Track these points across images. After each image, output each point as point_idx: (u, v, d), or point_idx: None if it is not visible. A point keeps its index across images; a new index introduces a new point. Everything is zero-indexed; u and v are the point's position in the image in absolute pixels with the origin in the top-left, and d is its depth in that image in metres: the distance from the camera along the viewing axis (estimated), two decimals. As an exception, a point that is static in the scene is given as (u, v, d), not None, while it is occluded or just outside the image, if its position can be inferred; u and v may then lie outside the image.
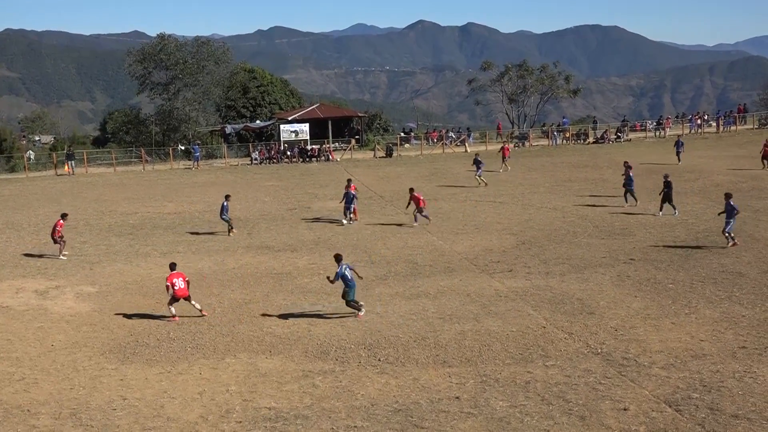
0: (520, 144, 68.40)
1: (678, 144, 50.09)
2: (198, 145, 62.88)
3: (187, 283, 20.83)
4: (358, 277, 20.92)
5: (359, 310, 20.34)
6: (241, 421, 14.11)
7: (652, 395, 14.52)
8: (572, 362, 16.40)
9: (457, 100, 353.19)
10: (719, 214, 27.62)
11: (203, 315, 20.71)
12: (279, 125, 69.31)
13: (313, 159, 61.87)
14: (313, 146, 64.28)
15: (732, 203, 26.25)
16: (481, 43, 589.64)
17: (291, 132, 66.59)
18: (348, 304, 20.37)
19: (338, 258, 20.72)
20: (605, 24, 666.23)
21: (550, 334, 18.32)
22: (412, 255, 27.28)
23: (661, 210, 32.63)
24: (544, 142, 68.93)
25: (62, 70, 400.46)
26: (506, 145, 53.07)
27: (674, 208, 32.45)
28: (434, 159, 59.75)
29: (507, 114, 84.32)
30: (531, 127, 76.98)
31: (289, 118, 70.48)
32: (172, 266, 21.27)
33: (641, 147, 62.16)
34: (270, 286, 23.82)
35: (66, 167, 58.94)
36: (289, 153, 62.90)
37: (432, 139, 73.27)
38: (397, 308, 20.87)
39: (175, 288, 20.41)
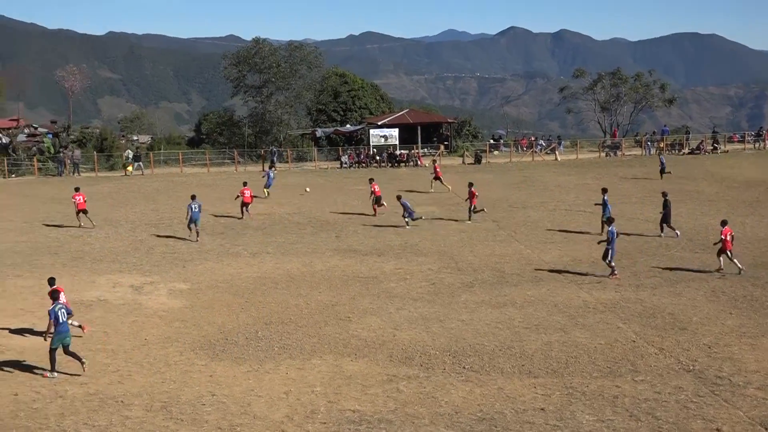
0: (612, 153, 67.17)
1: None
2: (274, 151, 64.09)
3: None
4: (47, 335, 17.23)
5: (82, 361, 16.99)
6: (325, 423, 14.25)
7: (746, 416, 14.08)
8: (662, 378, 16.02)
9: (547, 108, 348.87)
10: None
11: (82, 329, 19.63)
12: (369, 130, 69.77)
13: (402, 164, 62.04)
14: (402, 151, 64.46)
15: None
16: (574, 50, 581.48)
17: (380, 137, 66.93)
18: (50, 352, 16.93)
19: (54, 294, 17.82)
20: (703, 32, 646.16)
21: (640, 348, 17.94)
22: (499, 263, 27.10)
23: (662, 231, 31.33)
24: (637, 151, 67.53)
25: (160, 72, 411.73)
26: (436, 164, 48.49)
27: (673, 229, 31.12)
28: (524, 167, 59.21)
29: (599, 122, 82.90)
30: (624, 136, 75.47)
31: (379, 123, 70.81)
32: (51, 281, 19.83)
33: (739, 159, 60.30)
34: (356, 289, 24.00)
35: (129, 168, 60.37)
36: (378, 157, 63.25)
37: (521, 147, 72.65)
38: (483, 316, 20.77)
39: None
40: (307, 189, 46.29)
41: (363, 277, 25.56)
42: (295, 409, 14.88)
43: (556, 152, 66.90)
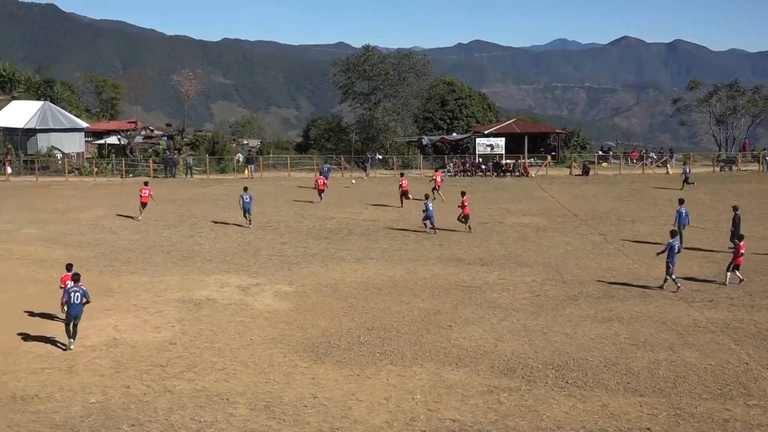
0: (727, 168, 64.92)
1: None
2: (370, 156, 64.83)
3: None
4: (63, 310, 19.29)
5: None
6: (425, 431, 14.25)
7: None
8: (776, 403, 15.37)
9: (659, 120, 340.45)
10: None
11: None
12: (475, 138, 69.55)
13: (507, 173, 61.55)
14: (508, 161, 63.98)
15: None
16: (689, 60, 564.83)
17: (486, 145, 66.66)
18: (65, 326, 19.10)
19: (75, 277, 19.39)
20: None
21: (754, 371, 17.26)
22: (605, 277, 26.55)
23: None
24: (754, 167, 65.06)
25: (271, 78, 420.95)
26: (437, 173, 48.81)
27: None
28: (633, 179, 57.85)
29: (714, 136, 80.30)
30: (740, 151, 72.86)
31: (486, 132, 70.50)
32: (69, 267, 21.01)
33: None
34: (459, 298, 23.92)
35: (246, 172, 61.93)
36: (483, 166, 62.96)
37: (631, 159, 71.04)
38: (588, 331, 20.38)
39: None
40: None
41: (466, 286, 25.45)
42: (395, 416, 14.93)
43: (668, 165, 65.14)
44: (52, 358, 18.12)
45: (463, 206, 35.42)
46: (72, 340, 18.96)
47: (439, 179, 47.06)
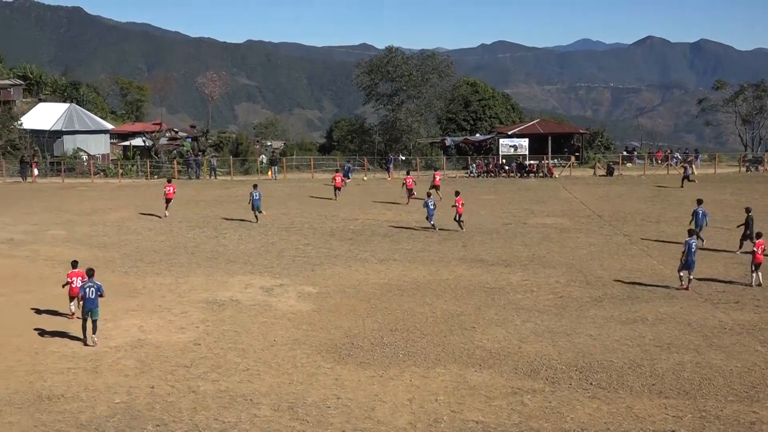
0: (753, 168, 64.29)
1: None
2: (393, 157, 64.99)
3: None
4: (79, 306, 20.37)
5: None
6: (448, 432, 14.24)
7: None
8: (804, 406, 15.21)
9: (684, 120, 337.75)
10: None
11: (72, 317, 21.41)
12: (498, 139, 69.38)
13: (531, 174, 61.34)
14: (532, 162, 63.76)
15: None
16: (714, 60, 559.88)
17: (510, 146, 66.44)
18: (82, 321, 19.62)
19: (89, 272, 20.10)
20: None
21: (780, 373, 17.08)
22: (629, 278, 26.39)
23: (740, 248, 30.22)
24: (781, 167, 64.36)
25: (295, 79, 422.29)
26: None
27: (740, 247, 30.24)
28: (658, 180, 57.44)
29: (740, 136, 79.62)
30: (767, 151, 72.10)
31: (509, 133, 70.30)
32: (74, 264, 21.94)
33: None
34: (482, 299, 23.86)
35: (269, 173, 62.24)
36: (507, 167, 62.77)
37: (656, 159, 70.54)
38: (612, 332, 20.26)
39: (73, 286, 21.22)
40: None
41: (489, 287, 25.39)
42: (419, 417, 14.92)
43: (694, 166, 64.55)
44: (77, 359, 18.28)
45: (456, 206, 35.72)
46: (94, 336, 19.26)
47: (438, 179, 47.52)
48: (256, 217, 38.17)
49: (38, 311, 22.13)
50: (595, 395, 15.96)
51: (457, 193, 36.43)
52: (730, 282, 25.57)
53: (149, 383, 16.69)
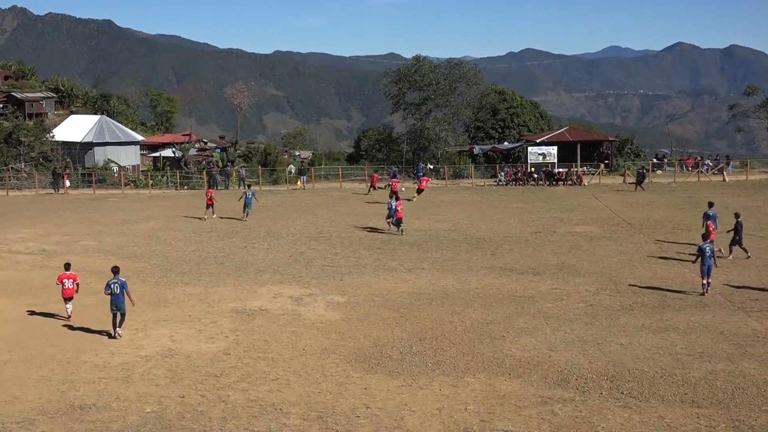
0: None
1: None
2: (422, 166, 65.22)
3: (77, 285, 22.54)
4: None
5: None
6: (478, 441, 14.16)
7: None
8: (840, 416, 14.96)
9: (715, 126, 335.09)
10: None
11: (68, 319, 22.31)
12: (527, 147, 69.17)
13: (560, 182, 61.04)
14: (561, 170, 63.47)
15: None
16: (745, 66, 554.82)
17: (538, 154, 66.22)
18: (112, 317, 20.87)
19: (114, 269, 21.38)
20: None
21: (815, 382, 16.82)
22: (660, 286, 26.14)
23: (730, 253, 30.15)
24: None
25: (323, 89, 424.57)
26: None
27: (730, 252, 30.27)
28: (688, 187, 56.96)
29: (771, 142, 78.86)
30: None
31: (538, 141, 70.08)
32: (67, 266, 23.03)
33: None
34: (511, 308, 23.75)
35: (298, 183, 62.45)
36: (535, 175, 62.54)
37: (686, 167, 69.94)
38: (643, 341, 20.07)
39: (64, 287, 22.16)
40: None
41: (518, 296, 25.27)
42: (448, 426, 14.86)
43: (724, 172, 63.98)
44: (109, 368, 18.43)
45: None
46: (119, 329, 20.59)
47: (396, 186, 49.70)
48: (246, 214, 41.82)
49: (71, 322, 22.34)
50: (627, 404, 15.81)
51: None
52: (763, 289, 25.25)
53: (179, 393, 16.78)
